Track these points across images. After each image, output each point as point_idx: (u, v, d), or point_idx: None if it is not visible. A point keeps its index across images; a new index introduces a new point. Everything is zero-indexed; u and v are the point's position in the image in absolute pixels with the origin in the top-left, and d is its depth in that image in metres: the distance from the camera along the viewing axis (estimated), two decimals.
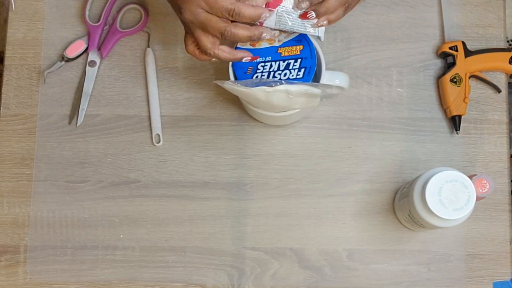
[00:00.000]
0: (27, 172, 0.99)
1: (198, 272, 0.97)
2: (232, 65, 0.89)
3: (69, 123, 1.00)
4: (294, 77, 0.87)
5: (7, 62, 1.02)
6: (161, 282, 0.96)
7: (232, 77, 0.89)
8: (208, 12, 0.80)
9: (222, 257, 0.97)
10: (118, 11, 1.03)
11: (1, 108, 1.01)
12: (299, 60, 0.89)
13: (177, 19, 0.85)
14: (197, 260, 0.97)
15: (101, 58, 1.02)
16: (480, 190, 0.88)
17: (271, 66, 0.89)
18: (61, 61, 1.02)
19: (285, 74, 0.88)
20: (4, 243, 0.98)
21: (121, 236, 0.98)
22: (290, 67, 0.89)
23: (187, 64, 1.02)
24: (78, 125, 1.00)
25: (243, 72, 0.89)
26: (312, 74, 0.87)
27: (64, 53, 1.01)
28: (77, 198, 0.98)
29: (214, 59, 0.85)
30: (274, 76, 0.88)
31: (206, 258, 0.97)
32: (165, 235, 0.97)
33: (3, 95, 1.01)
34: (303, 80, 0.87)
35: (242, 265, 0.97)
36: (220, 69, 1.01)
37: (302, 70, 0.88)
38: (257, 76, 0.88)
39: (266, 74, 0.88)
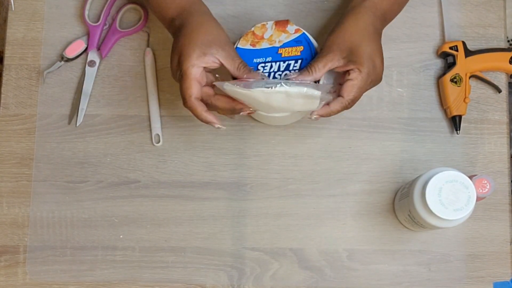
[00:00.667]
0: (27, 172, 0.99)
1: (198, 272, 0.97)
2: None
3: (69, 123, 1.00)
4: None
5: (6, 62, 1.02)
6: (161, 283, 0.96)
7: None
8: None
9: (222, 258, 0.97)
10: (118, 11, 1.03)
11: (1, 108, 1.00)
12: (299, 61, 0.89)
13: None
14: (197, 261, 0.97)
15: (101, 58, 1.01)
16: (480, 190, 0.88)
17: (271, 67, 0.89)
18: (60, 61, 1.01)
19: (285, 75, 0.88)
20: (3, 243, 0.97)
21: (121, 236, 0.97)
22: (291, 68, 0.88)
23: None
24: (77, 125, 1.00)
25: None
26: None
27: (63, 53, 1.01)
28: (76, 198, 0.98)
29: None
30: (274, 77, 0.88)
31: (206, 258, 0.97)
32: (165, 235, 0.97)
33: (2, 95, 1.01)
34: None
35: (242, 266, 0.97)
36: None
37: None
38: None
39: (266, 75, 0.88)
